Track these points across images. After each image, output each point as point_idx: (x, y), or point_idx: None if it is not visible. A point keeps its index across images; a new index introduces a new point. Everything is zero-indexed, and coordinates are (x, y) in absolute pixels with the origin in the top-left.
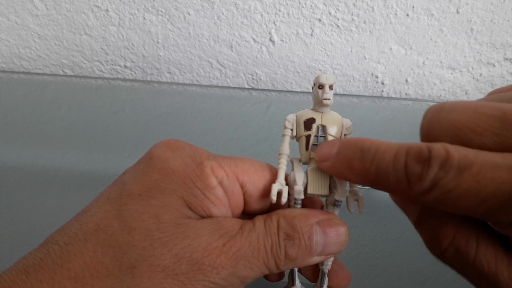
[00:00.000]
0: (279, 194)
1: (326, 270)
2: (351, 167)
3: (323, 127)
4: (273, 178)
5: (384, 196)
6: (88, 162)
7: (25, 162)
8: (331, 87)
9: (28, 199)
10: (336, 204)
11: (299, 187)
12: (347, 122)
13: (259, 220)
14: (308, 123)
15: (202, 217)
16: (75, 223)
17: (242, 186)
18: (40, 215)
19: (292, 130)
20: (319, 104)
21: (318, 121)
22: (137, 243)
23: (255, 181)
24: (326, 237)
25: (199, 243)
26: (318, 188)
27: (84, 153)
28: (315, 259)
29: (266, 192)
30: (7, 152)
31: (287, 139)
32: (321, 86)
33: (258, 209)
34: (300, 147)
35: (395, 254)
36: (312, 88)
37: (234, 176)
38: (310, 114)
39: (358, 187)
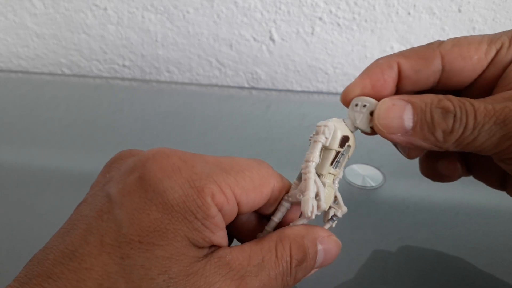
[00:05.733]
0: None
1: None
2: (433, 134)
3: (348, 148)
4: (271, 195)
5: (385, 196)
6: (86, 161)
7: (23, 162)
8: (371, 113)
9: (26, 199)
10: (333, 219)
11: (324, 205)
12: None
13: (270, 251)
14: (344, 140)
15: (203, 246)
16: (68, 274)
17: (238, 205)
18: (38, 215)
19: (327, 139)
20: (364, 128)
21: (350, 142)
22: None
23: (251, 199)
24: (325, 254)
25: None
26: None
27: (83, 152)
28: (311, 272)
29: (257, 207)
30: (5, 151)
31: (319, 147)
32: (372, 113)
33: (242, 214)
34: (325, 158)
35: (396, 255)
36: (353, 106)
37: (234, 198)
38: (347, 131)
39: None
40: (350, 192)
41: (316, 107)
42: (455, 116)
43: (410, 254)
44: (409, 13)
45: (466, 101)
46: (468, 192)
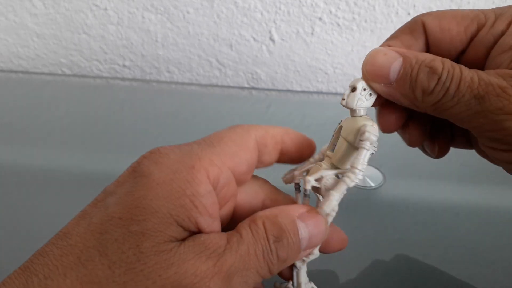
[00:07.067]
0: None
1: (299, 267)
2: (414, 92)
3: (340, 127)
4: (259, 144)
5: (385, 196)
6: (86, 161)
7: (23, 161)
8: (353, 89)
9: (26, 199)
10: (305, 194)
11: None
12: (364, 129)
13: (245, 229)
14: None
15: (188, 229)
16: (55, 251)
17: (233, 171)
18: (38, 215)
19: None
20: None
21: (341, 122)
22: (118, 279)
23: (244, 158)
24: (309, 230)
25: (186, 268)
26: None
27: (83, 152)
28: (302, 254)
29: (252, 163)
30: (5, 151)
31: (331, 139)
32: (354, 89)
33: (246, 180)
34: None
35: (396, 255)
36: None
37: (225, 166)
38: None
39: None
40: (350, 192)
41: (316, 107)
42: (439, 78)
43: (410, 254)
44: (409, 13)
45: (458, 68)
46: (468, 192)
